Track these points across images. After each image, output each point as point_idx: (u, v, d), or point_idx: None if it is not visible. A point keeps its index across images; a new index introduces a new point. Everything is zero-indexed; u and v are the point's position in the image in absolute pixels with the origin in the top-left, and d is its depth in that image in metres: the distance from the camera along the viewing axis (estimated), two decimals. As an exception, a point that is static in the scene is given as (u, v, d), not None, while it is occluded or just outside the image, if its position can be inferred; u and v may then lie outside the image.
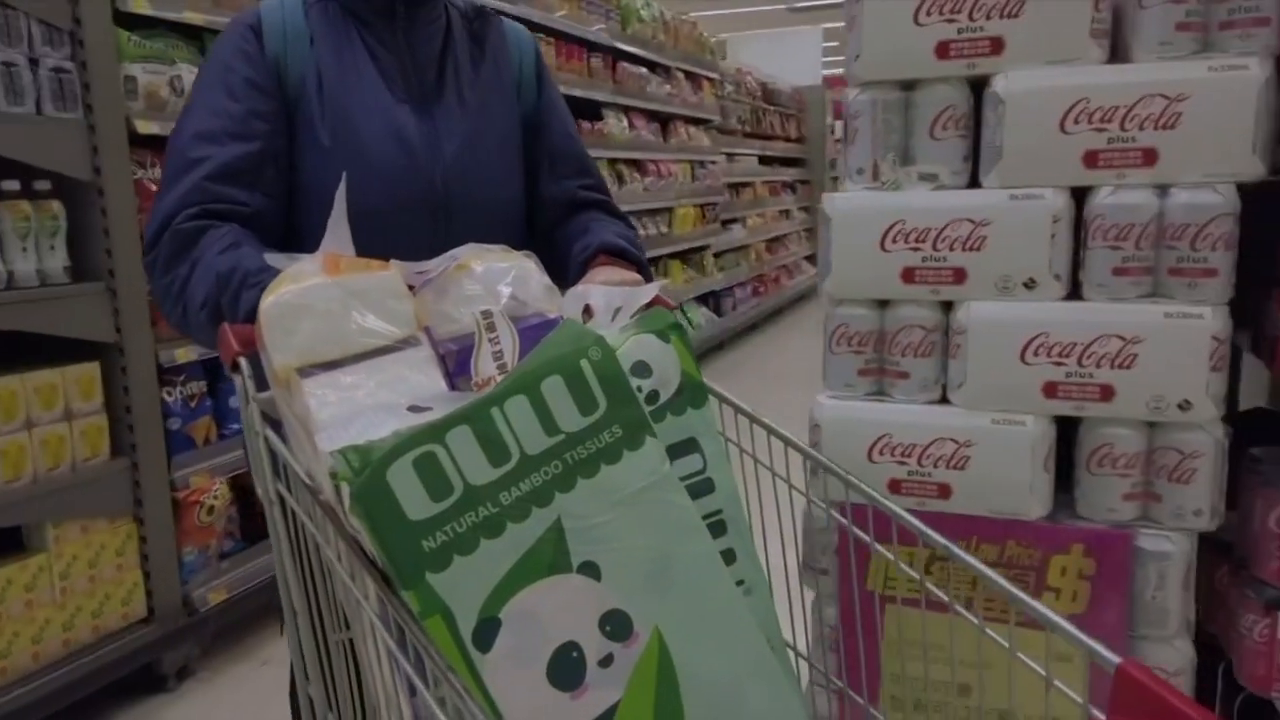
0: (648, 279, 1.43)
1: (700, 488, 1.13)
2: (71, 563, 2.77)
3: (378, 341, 1.04)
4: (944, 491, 1.61)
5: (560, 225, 1.64)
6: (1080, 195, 1.53)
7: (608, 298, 1.20)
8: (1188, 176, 1.46)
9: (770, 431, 1.23)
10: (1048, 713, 0.96)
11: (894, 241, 1.60)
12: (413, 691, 0.91)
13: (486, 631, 0.89)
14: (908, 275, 1.60)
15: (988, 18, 1.54)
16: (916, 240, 1.58)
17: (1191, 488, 1.49)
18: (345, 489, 0.86)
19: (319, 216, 1.29)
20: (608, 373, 0.97)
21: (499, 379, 1.03)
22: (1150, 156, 1.47)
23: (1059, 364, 1.52)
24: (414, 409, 0.97)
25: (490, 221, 1.53)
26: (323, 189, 1.37)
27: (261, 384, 1.05)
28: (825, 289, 1.70)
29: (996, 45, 1.54)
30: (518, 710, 0.90)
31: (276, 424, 1.04)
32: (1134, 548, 1.51)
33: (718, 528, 1.13)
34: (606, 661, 0.95)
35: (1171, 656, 1.53)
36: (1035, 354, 1.53)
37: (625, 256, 1.49)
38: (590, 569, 0.94)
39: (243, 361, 1.06)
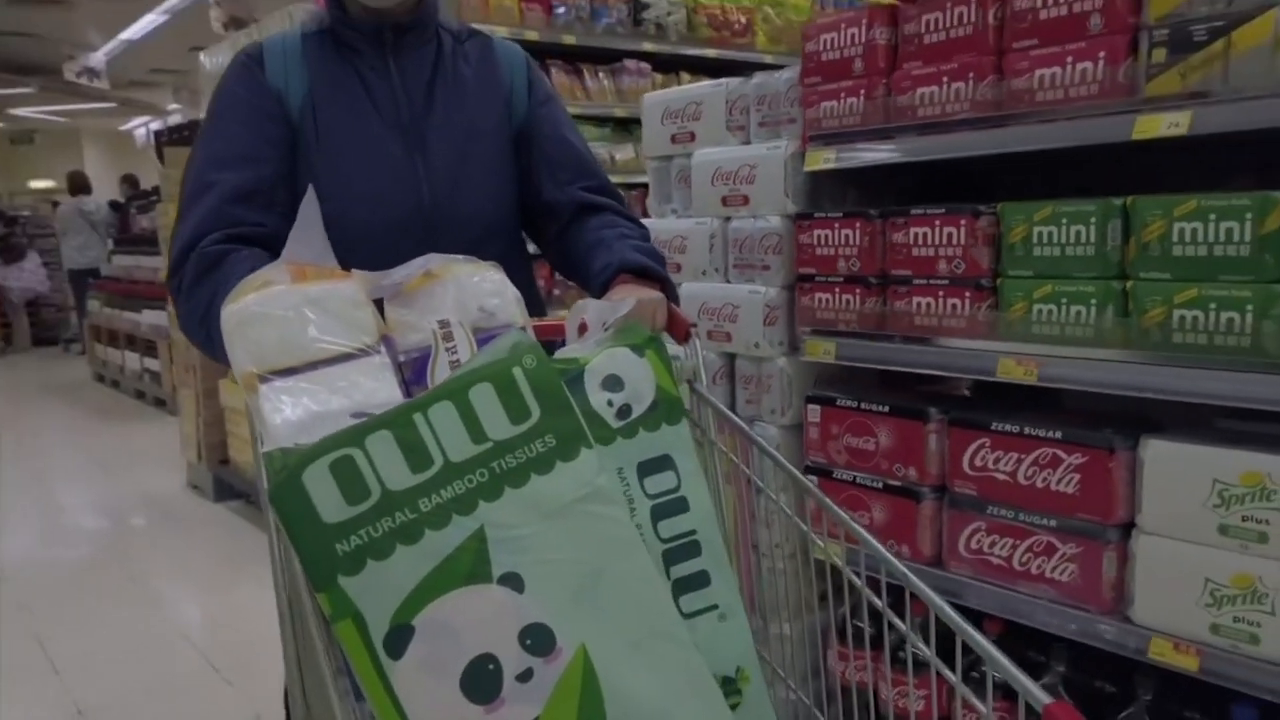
0: (670, 293, 1.46)
1: (673, 506, 1.11)
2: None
3: (335, 349, 1.02)
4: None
5: (570, 231, 1.65)
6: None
7: (599, 313, 1.21)
8: (761, 211, 2.47)
9: (761, 449, 1.31)
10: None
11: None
12: (358, 696, 0.91)
13: (399, 638, 0.87)
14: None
15: (689, 120, 2.66)
16: (663, 246, 2.75)
17: (770, 395, 2.50)
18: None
19: None
20: (543, 381, 0.96)
21: None
22: (746, 200, 2.51)
23: (711, 319, 2.60)
24: (357, 416, 0.95)
25: (478, 239, 1.54)
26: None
27: None
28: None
29: (692, 136, 2.66)
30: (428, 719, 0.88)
31: None
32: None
33: (691, 548, 1.11)
34: (525, 676, 0.91)
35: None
36: (700, 314, 2.63)
37: (646, 273, 1.50)
38: (513, 580, 0.91)
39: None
